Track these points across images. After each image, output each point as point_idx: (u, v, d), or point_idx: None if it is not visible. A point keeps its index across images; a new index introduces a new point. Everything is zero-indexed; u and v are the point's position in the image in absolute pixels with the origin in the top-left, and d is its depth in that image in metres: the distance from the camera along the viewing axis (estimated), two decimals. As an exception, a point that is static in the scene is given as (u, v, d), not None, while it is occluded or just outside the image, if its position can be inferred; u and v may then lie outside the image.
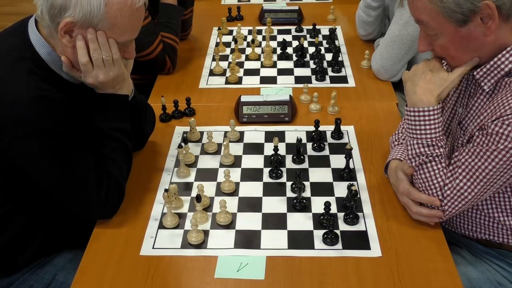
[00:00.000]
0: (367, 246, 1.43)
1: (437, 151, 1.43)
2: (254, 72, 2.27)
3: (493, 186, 1.39)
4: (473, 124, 1.44)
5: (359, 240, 1.45)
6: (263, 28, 2.57)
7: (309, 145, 1.81)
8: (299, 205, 1.56)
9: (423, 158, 1.43)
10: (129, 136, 1.57)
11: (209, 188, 1.62)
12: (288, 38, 2.51)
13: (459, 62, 1.42)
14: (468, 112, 1.48)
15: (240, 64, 2.32)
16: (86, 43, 1.41)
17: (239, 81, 2.21)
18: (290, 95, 1.99)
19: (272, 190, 1.63)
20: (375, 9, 2.35)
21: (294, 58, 2.34)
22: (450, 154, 1.54)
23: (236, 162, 1.75)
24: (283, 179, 1.67)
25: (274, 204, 1.58)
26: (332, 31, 2.46)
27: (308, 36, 2.54)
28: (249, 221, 1.52)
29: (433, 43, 1.41)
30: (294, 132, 1.88)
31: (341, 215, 1.52)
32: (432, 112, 1.41)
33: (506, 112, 1.32)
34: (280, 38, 2.50)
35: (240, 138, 1.86)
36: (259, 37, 2.50)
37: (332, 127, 1.87)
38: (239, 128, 1.90)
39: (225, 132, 1.89)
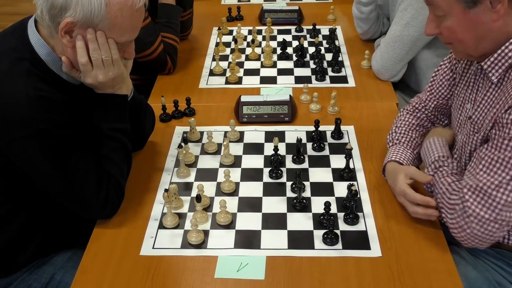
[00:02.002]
0: (367, 246, 1.43)
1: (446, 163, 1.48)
2: (254, 72, 2.27)
3: None
4: (486, 119, 1.42)
5: (359, 240, 1.45)
6: (263, 28, 2.57)
7: (309, 145, 1.81)
8: (299, 205, 1.56)
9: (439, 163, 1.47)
10: (128, 136, 1.57)
11: (209, 188, 1.62)
12: (288, 38, 2.51)
13: (466, 48, 1.41)
14: (478, 106, 1.47)
15: (240, 64, 2.32)
16: (85, 43, 1.41)
17: (239, 81, 2.21)
18: (290, 95, 1.99)
19: (272, 190, 1.63)
20: (366, 5, 2.34)
21: (294, 58, 2.34)
22: (462, 153, 1.53)
23: (236, 162, 1.75)
24: (283, 179, 1.67)
25: (274, 204, 1.58)
26: (332, 31, 2.46)
27: (308, 36, 2.54)
28: (249, 221, 1.52)
29: (441, 26, 1.40)
30: (294, 132, 1.88)
31: (341, 215, 1.52)
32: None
33: None
34: (280, 38, 2.50)
35: (240, 138, 1.86)
36: (259, 37, 2.50)
37: (332, 127, 1.87)
38: (239, 128, 1.90)
39: (225, 132, 1.89)
